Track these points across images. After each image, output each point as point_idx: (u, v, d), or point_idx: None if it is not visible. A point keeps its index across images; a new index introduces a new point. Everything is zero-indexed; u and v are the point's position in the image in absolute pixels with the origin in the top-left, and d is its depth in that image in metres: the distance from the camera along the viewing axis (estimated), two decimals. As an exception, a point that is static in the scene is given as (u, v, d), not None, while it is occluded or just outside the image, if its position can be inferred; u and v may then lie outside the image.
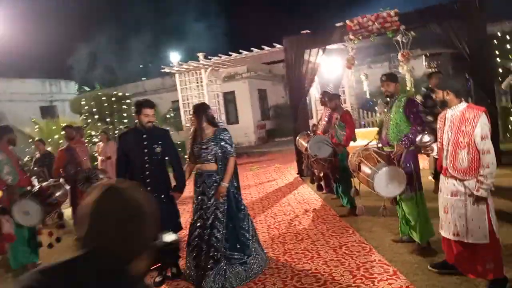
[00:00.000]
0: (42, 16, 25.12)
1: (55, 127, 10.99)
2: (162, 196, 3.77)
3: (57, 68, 24.47)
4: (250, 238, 3.77)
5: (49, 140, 11.02)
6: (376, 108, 13.74)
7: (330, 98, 5.93)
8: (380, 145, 4.16)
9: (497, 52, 9.52)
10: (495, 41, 9.60)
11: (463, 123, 2.93)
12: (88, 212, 1.07)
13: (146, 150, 3.74)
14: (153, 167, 3.75)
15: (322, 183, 6.69)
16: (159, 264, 3.78)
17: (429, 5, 7.68)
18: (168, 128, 8.62)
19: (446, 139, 3.08)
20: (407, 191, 3.71)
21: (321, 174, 6.31)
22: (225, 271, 3.52)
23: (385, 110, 4.12)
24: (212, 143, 3.65)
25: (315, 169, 6.07)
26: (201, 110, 3.78)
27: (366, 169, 3.78)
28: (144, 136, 3.77)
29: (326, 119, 6.29)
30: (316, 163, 5.64)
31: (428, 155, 4.16)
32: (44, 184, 5.20)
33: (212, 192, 3.64)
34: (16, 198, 4.55)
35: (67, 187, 5.66)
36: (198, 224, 3.64)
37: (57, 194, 5.05)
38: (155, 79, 20.67)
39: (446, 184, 3.09)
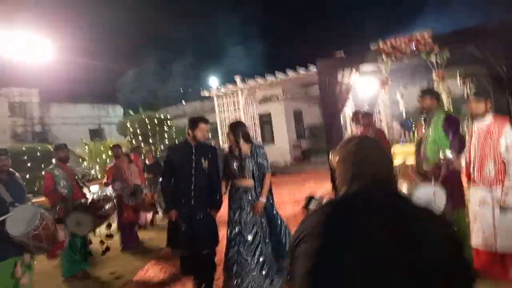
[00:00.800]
0: (88, 44, 27.14)
1: (102, 148, 11.81)
2: (205, 210, 3.85)
3: (104, 93, 26.12)
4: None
5: (97, 160, 11.84)
6: (397, 127, 13.58)
7: (364, 116, 6.05)
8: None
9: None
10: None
11: (489, 135, 3.05)
12: (365, 155, 1.32)
13: (193, 165, 3.82)
14: (199, 181, 3.82)
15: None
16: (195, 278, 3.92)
17: (465, 26, 7.71)
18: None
19: (473, 151, 3.19)
20: (448, 209, 3.51)
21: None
22: (272, 280, 3.55)
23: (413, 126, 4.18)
24: (249, 159, 3.73)
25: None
26: (238, 127, 3.88)
27: (402, 187, 3.76)
28: (193, 150, 3.87)
29: (359, 137, 6.43)
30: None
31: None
32: (95, 197, 5.69)
33: (250, 207, 3.68)
34: (70, 209, 5.02)
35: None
36: (237, 240, 3.64)
37: (107, 207, 5.48)
38: (194, 102, 21.58)
39: (474, 194, 3.17)
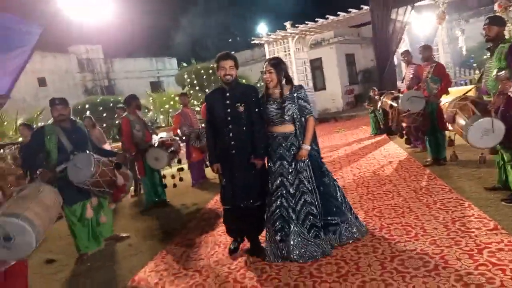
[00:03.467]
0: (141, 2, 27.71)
1: (165, 98, 12.72)
2: (247, 160, 3.40)
3: (159, 47, 27.08)
4: (340, 203, 3.48)
5: (160, 110, 12.81)
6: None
7: (423, 49, 5.77)
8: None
9: None
10: None
11: None
12: None
13: (228, 110, 3.39)
14: (236, 128, 3.39)
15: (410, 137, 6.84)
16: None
17: None
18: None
19: None
20: (506, 141, 3.55)
21: (410, 128, 6.47)
22: (321, 238, 3.25)
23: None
24: (289, 102, 3.30)
25: (405, 123, 6.22)
26: (282, 64, 3.38)
27: (460, 120, 3.75)
28: (227, 94, 3.41)
29: (411, 75, 6.43)
30: (407, 117, 5.78)
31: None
32: (163, 139, 6.46)
33: (292, 155, 3.31)
34: (147, 148, 5.79)
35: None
36: (279, 193, 3.30)
37: (175, 145, 6.28)
38: (244, 52, 21.75)
39: None
